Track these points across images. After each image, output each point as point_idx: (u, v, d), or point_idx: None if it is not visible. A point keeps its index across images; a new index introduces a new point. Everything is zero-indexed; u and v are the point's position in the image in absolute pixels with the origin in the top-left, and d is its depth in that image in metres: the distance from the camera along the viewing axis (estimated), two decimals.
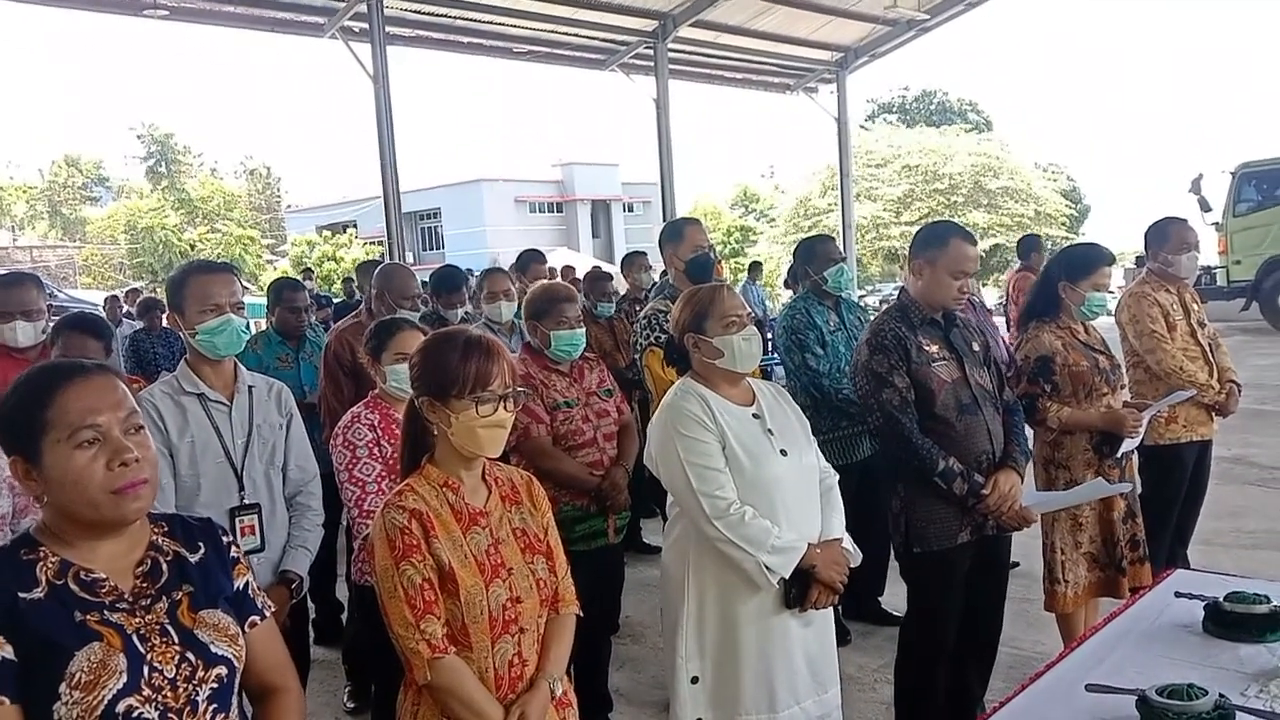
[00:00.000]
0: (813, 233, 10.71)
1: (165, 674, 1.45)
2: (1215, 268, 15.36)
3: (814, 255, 4.30)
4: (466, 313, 4.76)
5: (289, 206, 48.83)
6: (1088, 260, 3.47)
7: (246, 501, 2.69)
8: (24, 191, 44.63)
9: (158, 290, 20.45)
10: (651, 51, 13.94)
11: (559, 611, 2.04)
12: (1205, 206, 15.33)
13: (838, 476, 2.75)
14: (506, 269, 5.44)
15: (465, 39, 13.12)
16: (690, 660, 2.55)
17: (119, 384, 1.50)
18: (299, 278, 14.54)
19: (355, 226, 38.42)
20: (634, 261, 6.74)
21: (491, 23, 12.58)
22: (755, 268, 16.23)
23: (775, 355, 5.22)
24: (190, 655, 1.48)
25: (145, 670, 1.43)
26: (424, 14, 12.01)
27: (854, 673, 3.83)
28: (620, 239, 39.73)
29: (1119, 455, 3.39)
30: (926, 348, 2.94)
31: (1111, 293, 3.68)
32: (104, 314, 9.21)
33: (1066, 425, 3.37)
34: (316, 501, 2.89)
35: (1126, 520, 3.43)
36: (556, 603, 2.03)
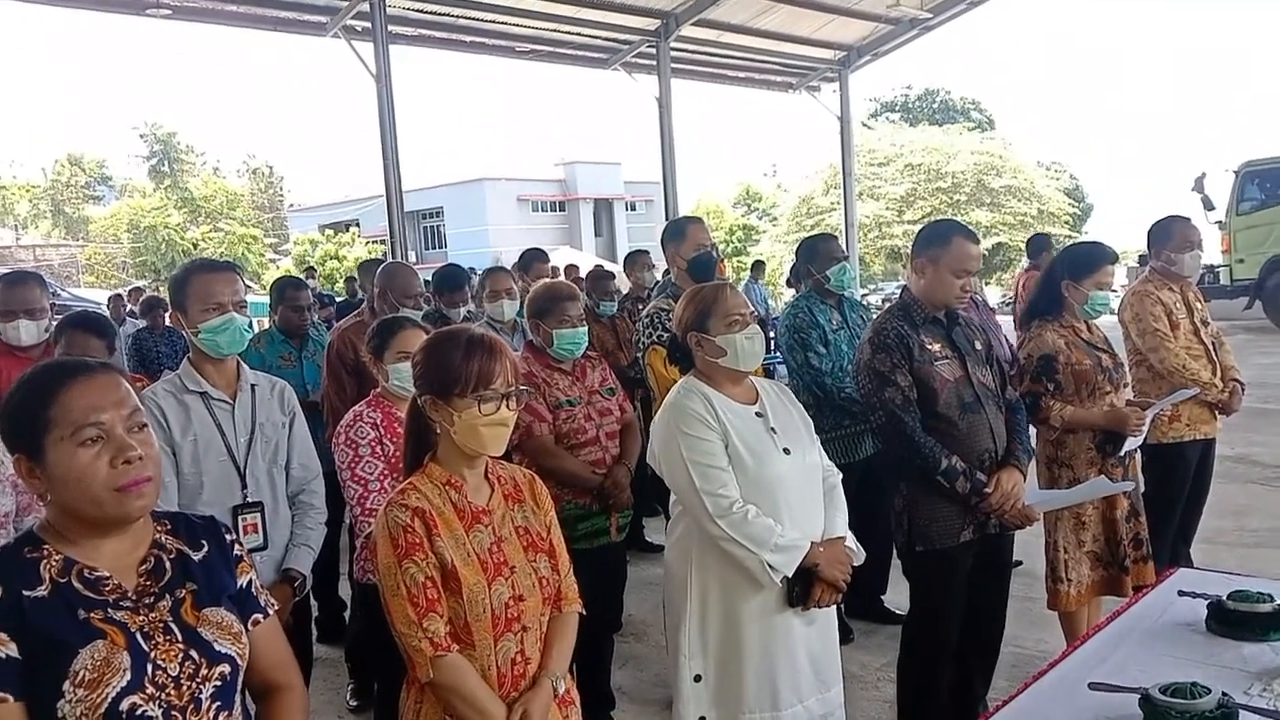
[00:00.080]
0: (815, 231, 10.69)
1: (169, 672, 1.45)
2: (1218, 266, 15.34)
3: (816, 254, 4.30)
4: (469, 311, 4.76)
5: (291, 205, 48.88)
6: (1091, 259, 3.46)
7: (249, 500, 2.69)
8: (27, 190, 44.74)
9: (160, 289, 20.49)
10: (654, 50, 13.91)
11: (561, 610, 2.04)
12: (1208, 205, 15.31)
13: (841, 475, 2.75)
14: (509, 268, 5.45)
15: (468, 38, 13.10)
16: (693, 658, 2.56)
17: (122, 382, 1.50)
18: (302, 276, 14.55)
19: (358, 225, 38.43)
20: (636, 260, 6.74)
21: (494, 22, 12.56)
22: (758, 266, 16.26)
23: (778, 354, 5.21)
24: (194, 653, 1.49)
25: (149, 668, 1.43)
26: (426, 13, 11.99)
27: (857, 671, 3.83)
28: (623, 238, 39.74)
29: (1122, 454, 3.39)
30: (929, 346, 2.94)
31: (1114, 291, 3.67)
32: (108, 313, 9.23)
33: (1069, 424, 3.37)
34: (319, 500, 2.89)
35: (1129, 519, 3.42)
36: (559, 601, 2.04)
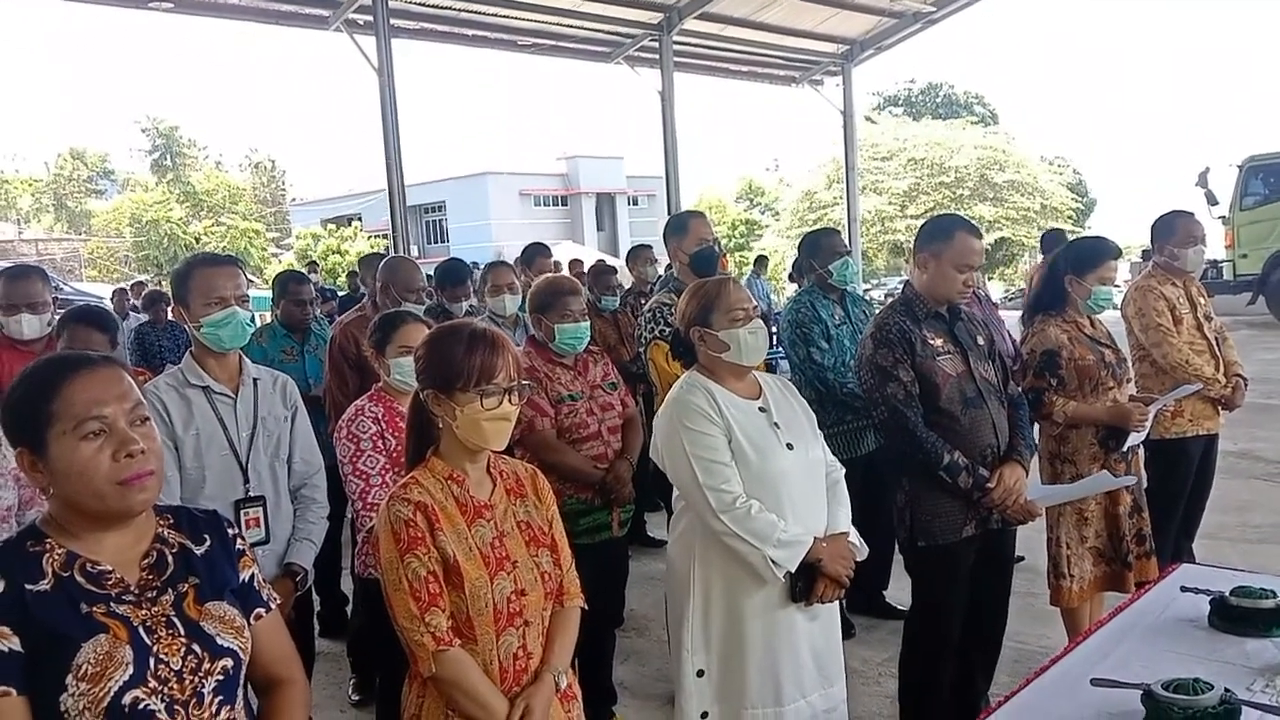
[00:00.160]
0: (818, 226, 10.69)
1: (171, 666, 1.45)
2: (1222, 261, 15.32)
3: (819, 249, 4.29)
4: (471, 306, 4.76)
5: (294, 200, 48.83)
6: (1094, 254, 3.46)
7: (251, 494, 2.70)
8: (29, 185, 44.75)
9: (163, 283, 20.49)
10: (656, 44, 13.90)
11: (563, 604, 2.05)
12: (1212, 200, 15.29)
13: (844, 470, 2.75)
14: (511, 262, 5.44)
15: (470, 31, 13.10)
16: (695, 653, 2.56)
17: (125, 376, 1.50)
18: (304, 271, 14.54)
19: (360, 219, 38.39)
20: (639, 255, 6.74)
21: (496, 15, 12.55)
22: (760, 261, 16.27)
23: (780, 349, 5.21)
24: (196, 647, 1.49)
25: (151, 662, 1.43)
26: (428, 6, 11.98)
27: (859, 666, 3.83)
28: (625, 232, 39.69)
29: (1125, 449, 3.38)
30: (931, 341, 2.93)
31: (1118, 286, 3.67)
32: (112, 307, 9.24)
33: (1072, 419, 3.37)
34: (321, 494, 2.90)
35: (1132, 515, 3.42)
36: (561, 596, 2.04)
